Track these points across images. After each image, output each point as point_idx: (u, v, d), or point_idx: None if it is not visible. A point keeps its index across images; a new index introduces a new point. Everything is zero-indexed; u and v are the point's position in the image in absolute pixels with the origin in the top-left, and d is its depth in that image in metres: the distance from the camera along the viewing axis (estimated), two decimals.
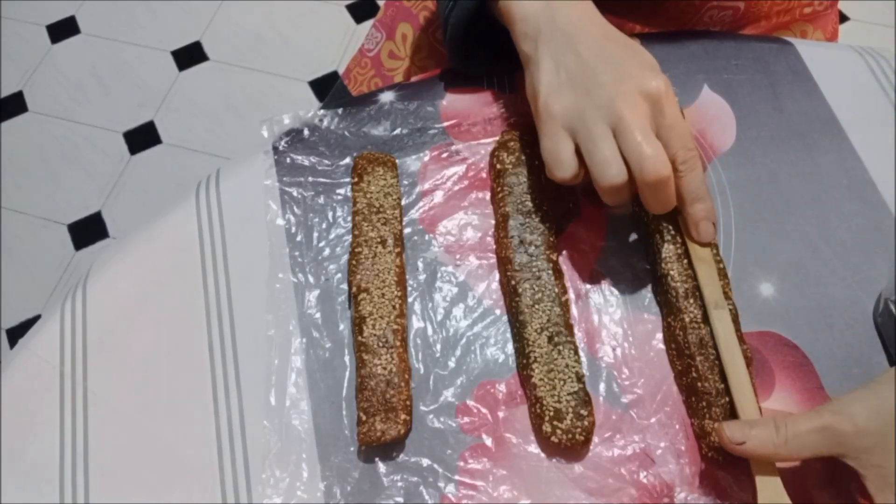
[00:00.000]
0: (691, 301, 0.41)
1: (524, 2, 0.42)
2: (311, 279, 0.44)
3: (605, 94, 0.38)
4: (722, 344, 0.39)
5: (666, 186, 0.38)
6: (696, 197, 0.40)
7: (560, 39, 0.41)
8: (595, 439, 0.39)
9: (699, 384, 0.39)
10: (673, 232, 0.43)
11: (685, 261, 0.42)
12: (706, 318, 0.40)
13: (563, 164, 0.39)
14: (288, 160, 0.48)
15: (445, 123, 0.50)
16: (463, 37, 0.47)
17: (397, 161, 0.48)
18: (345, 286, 0.44)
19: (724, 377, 0.39)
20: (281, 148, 0.49)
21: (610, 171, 0.38)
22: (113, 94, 1.51)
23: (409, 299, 0.44)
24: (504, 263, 0.43)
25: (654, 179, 0.37)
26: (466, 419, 0.40)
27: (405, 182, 0.48)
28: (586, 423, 0.38)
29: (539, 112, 0.41)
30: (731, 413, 0.38)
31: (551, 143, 0.40)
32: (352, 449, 0.40)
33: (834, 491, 0.37)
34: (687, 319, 0.40)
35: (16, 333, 1.27)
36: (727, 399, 0.38)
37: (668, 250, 0.42)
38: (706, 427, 0.38)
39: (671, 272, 0.42)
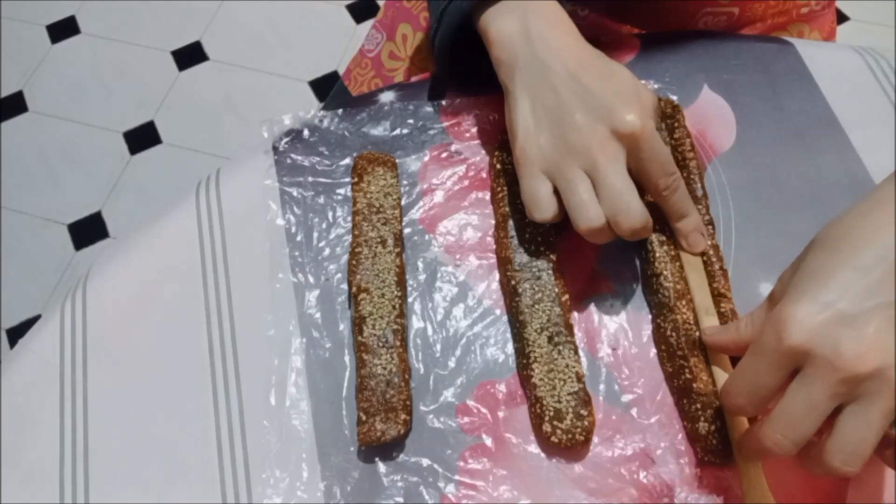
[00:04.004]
0: (684, 302, 0.41)
1: (501, 25, 0.42)
2: (311, 279, 0.45)
3: (580, 140, 0.38)
4: (711, 350, 0.39)
5: (640, 234, 0.39)
6: (681, 214, 0.42)
7: (536, 71, 0.40)
8: (595, 439, 0.39)
9: (693, 385, 0.39)
10: (669, 233, 0.43)
11: (678, 263, 0.42)
12: (697, 320, 0.40)
13: (541, 207, 0.40)
14: (288, 160, 0.48)
15: (445, 123, 0.50)
16: (450, 56, 0.47)
17: (397, 161, 0.48)
18: (345, 286, 0.44)
19: (715, 382, 0.39)
20: (281, 148, 0.49)
21: (588, 215, 0.38)
22: (113, 94, 1.51)
23: (409, 299, 0.44)
24: (504, 263, 0.43)
25: (629, 233, 0.38)
26: (466, 419, 0.40)
27: (405, 182, 0.48)
28: (586, 423, 0.38)
29: (516, 155, 0.41)
30: (723, 418, 0.38)
31: (529, 186, 0.40)
32: (352, 449, 0.40)
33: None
34: (680, 320, 0.40)
35: (16, 333, 1.27)
36: (720, 402, 0.38)
37: (663, 251, 0.42)
38: (700, 430, 0.38)
39: (664, 272, 0.42)
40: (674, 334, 0.40)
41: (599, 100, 0.39)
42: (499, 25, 0.42)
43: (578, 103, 0.39)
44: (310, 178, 0.48)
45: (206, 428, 0.41)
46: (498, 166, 0.46)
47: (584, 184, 0.38)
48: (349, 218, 0.46)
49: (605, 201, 0.38)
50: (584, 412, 0.38)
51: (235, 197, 0.48)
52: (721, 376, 0.38)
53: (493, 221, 0.46)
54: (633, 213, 0.38)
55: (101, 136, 1.46)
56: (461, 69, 0.48)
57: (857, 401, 0.30)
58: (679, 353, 0.40)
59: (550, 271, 0.42)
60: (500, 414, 0.40)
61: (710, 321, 0.40)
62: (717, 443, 0.37)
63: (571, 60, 0.40)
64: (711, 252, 0.43)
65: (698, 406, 0.38)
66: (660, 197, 0.40)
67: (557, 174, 0.39)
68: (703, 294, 0.41)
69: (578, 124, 0.39)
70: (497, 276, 0.44)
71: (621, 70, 0.40)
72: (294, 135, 0.49)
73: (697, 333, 0.40)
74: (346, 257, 0.45)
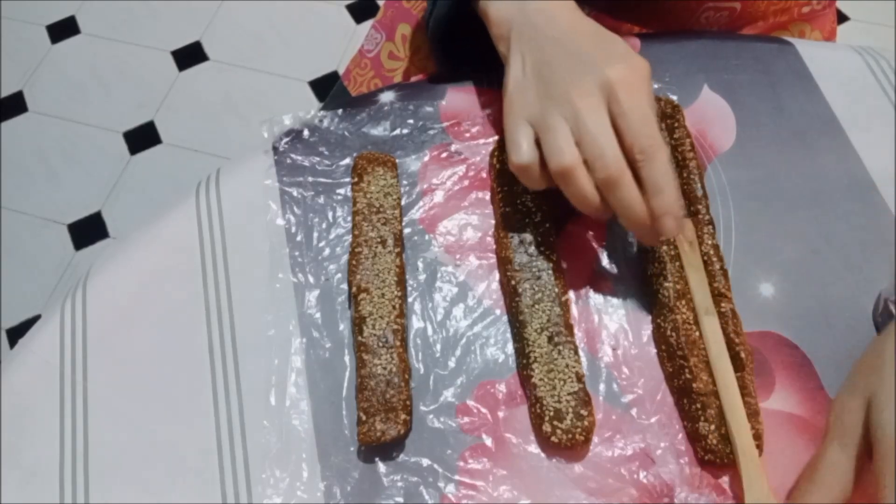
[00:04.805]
0: (683, 302, 0.41)
1: (500, 5, 0.43)
2: (311, 279, 0.45)
3: (563, 89, 0.39)
4: (712, 350, 0.39)
5: (618, 187, 0.37)
6: (655, 189, 0.38)
7: (528, 33, 0.42)
8: (595, 439, 0.39)
9: (693, 384, 0.39)
10: None
11: (678, 262, 0.42)
12: (697, 320, 0.40)
13: (521, 150, 0.40)
14: (288, 160, 0.48)
15: (445, 123, 0.50)
16: (442, 39, 0.48)
17: (397, 161, 0.48)
18: (345, 286, 0.44)
19: (715, 381, 0.39)
20: (281, 148, 0.49)
21: (561, 156, 0.38)
22: (113, 94, 1.51)
23: (409, 299, 0.44)
24: (504, 263, 0.43)
25: (604, 180, 0.37)
26: (466, 419, 0.40)
27: (405, 182, 0.48)
28: (586, 423, 0.38)
29: (504, 105, 0.42)
30: (724, 418, 0.38)
31: (511, 130, 0.41)
32: (352, 449, 0.40)
33: None
34: (680, 320, 0.40)
35: (16, 333, 1.27)
36: (720, 402, 0.38)
37: (662, 251, 0.42)
38: (700, 430, 0.38)
39: (664, 272, 0.42)
40: (674, 334, 0.40)
41: (585, 55, 0.40)
42: (497, 6, 0.43)
43: (564, 57, 0.40)
44: (310, 178, 0.48)
45: (206, 428, 0.41)
46: (498, 166, 0.46)
47: (563, 129, 0.39)
48: (349, 218, 0.46)
49: (582, 146, 0.38)
50: (584, 412, 0.38)
51: (235, 197, 0.48)
52: (723, 377, 0.38)
53: (493, 221, 0.46)
54: (607, 158, 0.37)
55: (101, 136, 1.46)
56: (455, 51, 0.50)
57: None
58: (679, 352, 0.40)
59: (550, 271, 0.42)
60: (500, 414, 0.40)
61: (709, 321, 0.40)
62: (717, 442, 0.37)
63: (565, 24, 0.41)
64: (712, 252, 0.43)
65: (698, 406, 0.38)
66: (635, 163, 0.38)
67: (540, 121, 0.40)
68: (703, 294, 0.41)
69: (562, 75, 0.39)
70: (497, 276, 0.44)
71: (615, 38, 0.41)
72: (294, 135, 0.49)
73: (697, 333, 0.40)
74: (346, 257, 0.45)
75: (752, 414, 0.38)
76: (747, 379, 0.39)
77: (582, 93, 0.38)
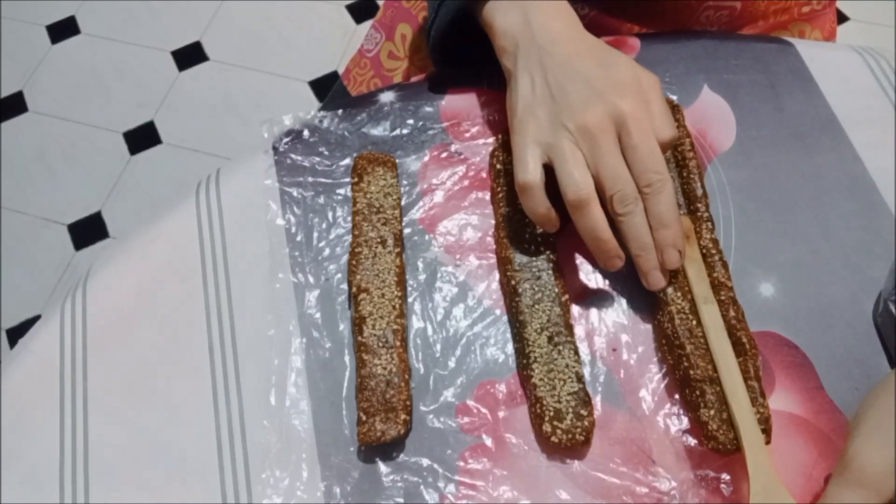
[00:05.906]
0: (679, 294, 0.41)
1: (504, 17, 0.44)
2: (311, 279, 0.45)
3: (576, 117, 0.39)
4: (711, 335, 0.39)
5: (632, 215, 0.39)
6: (661, 222, 0.39)
7: (536, 55, 0.42)
8: (595, 439, 0.39)
9: (691, 372, 0.39)
10: None
11: None
12: (693, 310, 0.41)
13: (527, 168, 0.40)
14: (288, 160, 0.48)
15: (445, 123, 0.50)
16: (443, 47, 0.48)
17: (397, 161, 0.48)
18: (345, 286, 0.44)
19: (716, 367, 0.39)
20: (281, 148, 0.49)
21: (580, 189, 0.39)
22: (113, 94, 1.51)
23: (409, 299, 0.44)
24: (504, 263, 0.43)
25: (622, 211, 0.39)
26: (466, 419, 0.40)
27: (405, 182, 0.48)
28: (586, 423, 0.38)
29: (513, 126, 0.42)
30: (724, 402, 0.38)
31: (520, 150, 0.41)
32: (352, 449, 0.40)
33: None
34: (675, 310, 0.41)
35: (16, 333, 1.27)
36: (720, 388, 0.38)
37: None
38: (701, 417, 0.38)
39: None
40: (670, 325, 0.40)
41: (595, 82, 0.40)
42: (502, 19, 0.44)
43: (575, 83, 0.40)
44: (310, 178, 0.48)
45: (206, 428, 0.41)
46: (498, 166, 0.46)
47: (579, 159, 0.39)
48: (349, 218, 0.46)
49: (601, 179, 0.39)
50: (584, 412, 0.38)
51: (235, 197, 0.48)
52: (724, 362, 0.38)
53: (493, 221, 0.46)
54: (627, 196, 0.38)
55: (101, 136, 1.46)
56: (454, 57, 0.50)
57: None
58: (676, 342, 0.40)
59: (550, 271, 0.42)
60: (500, 414, 0.40)
61: (709, 309, 0.40)
62: (718, 427, 0.37)
63: (569, 47, 0.42)
64: (710, 245, 0.43)
65: (697, 393, 0.38)
66: (641, 194, 0.40)
67: (554, 147, 0.40)
68: (702, 285, 0.41)
69: (574, 103, 0.40)
70: (497, 276, 0.44)
71: (620, 57, 0.41)
72: (294, 135, 0.49)
73: (694, 322, 0.40)
74: (346, 257, 0.45)
75: (758, 398, 0.38)
76: (750, 363, 0.39)
77: (598, 124, 0.39)
